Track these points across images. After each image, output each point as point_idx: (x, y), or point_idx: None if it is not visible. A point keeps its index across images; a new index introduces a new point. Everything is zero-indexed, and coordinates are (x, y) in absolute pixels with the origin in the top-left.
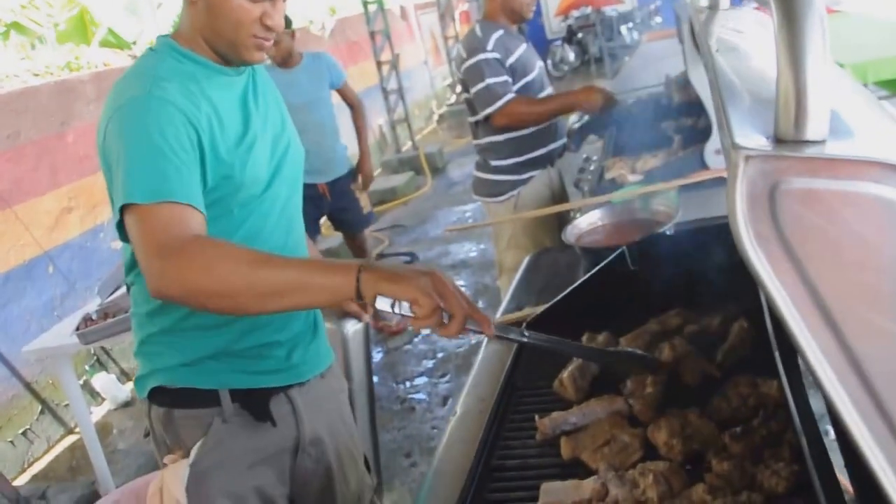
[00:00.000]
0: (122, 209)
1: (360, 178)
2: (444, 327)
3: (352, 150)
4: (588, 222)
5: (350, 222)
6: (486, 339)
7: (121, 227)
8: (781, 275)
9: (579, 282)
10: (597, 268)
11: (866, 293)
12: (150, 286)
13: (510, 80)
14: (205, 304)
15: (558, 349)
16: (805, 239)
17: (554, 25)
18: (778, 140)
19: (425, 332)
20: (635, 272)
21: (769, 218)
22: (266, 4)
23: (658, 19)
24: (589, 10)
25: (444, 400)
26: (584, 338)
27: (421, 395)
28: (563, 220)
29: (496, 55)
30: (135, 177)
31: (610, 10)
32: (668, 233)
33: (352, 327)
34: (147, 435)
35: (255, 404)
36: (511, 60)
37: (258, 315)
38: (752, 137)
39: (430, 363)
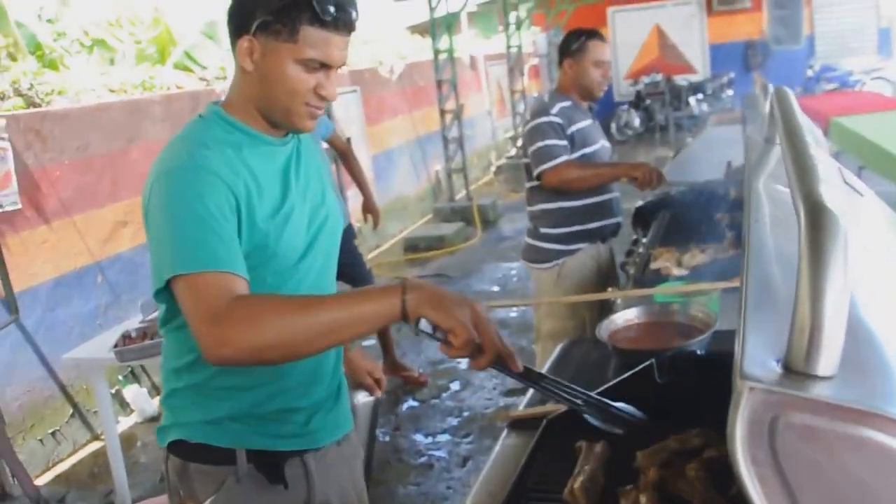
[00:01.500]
0: (171, 279)
1: (369, 218)
2: (475, 359)
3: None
4: (624, 319)
5: (353, 277)
6: (504, 432)
7: (158, 293)
8: (772, 500)
9: (604, 387)
10: (622, 377)
11: None
12: (206, 354)
13: (568, 145)
14: (263, 358)
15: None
16: (800, 472)
17: (622, 88)
18: (787, 368)
19: (455, 388)
20: (662, 385)
21: (767, 445)
22: (320, 75)
23: (730, 92)
24: (660, 77)
25: (464, 461)
26: (583, 447)
27: (441, 453)
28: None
29: (558, 120)
30: (181, 248)
31: (681, 80)
32: (699, 351)
33: (362, 399)
34: (162, 480)
35: (270, 466)
36: (572, 129)
37: (315, 355)
38: (761, 361)
39: (454, 421)
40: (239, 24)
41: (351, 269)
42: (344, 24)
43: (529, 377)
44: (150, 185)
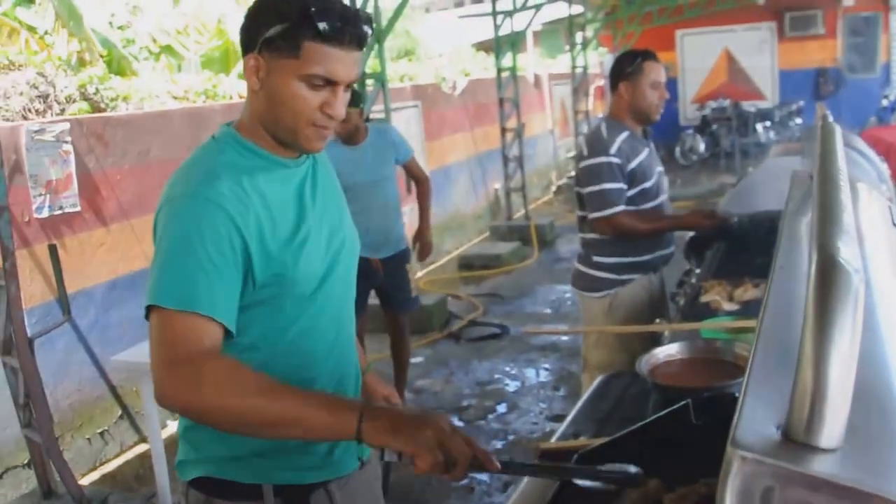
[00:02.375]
0: (148, 308)
1: (417, 247)
2: (450, 473)
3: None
4: (665, 354)
5: (397, 301)
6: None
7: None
8: None
9: (638, 425)
10: (657, 415)
11: None
12: (154, 393)
13: (625, 187)
14: (200, 419)
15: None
16: None
17: (688, 113)
18: (786, 437)
19: (501, 410)
20: (696, 426)
21: None
22: (326, 93)
23: (798, 121)
24: (727, 102)
25: (505, 486)
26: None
27: (483, 476)
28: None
29: (617, 160)
30: (165, 280)
31: (748, 106)
32: (737, 393)
33: None
34: None
35: (297, 500)
36: (632, 166)
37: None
38: (759, 427)
39: (499, 444)
40: (246, 42)
41: (392, 290)
42: (350, 39)
43: (511, 469)
44: (157, 210)
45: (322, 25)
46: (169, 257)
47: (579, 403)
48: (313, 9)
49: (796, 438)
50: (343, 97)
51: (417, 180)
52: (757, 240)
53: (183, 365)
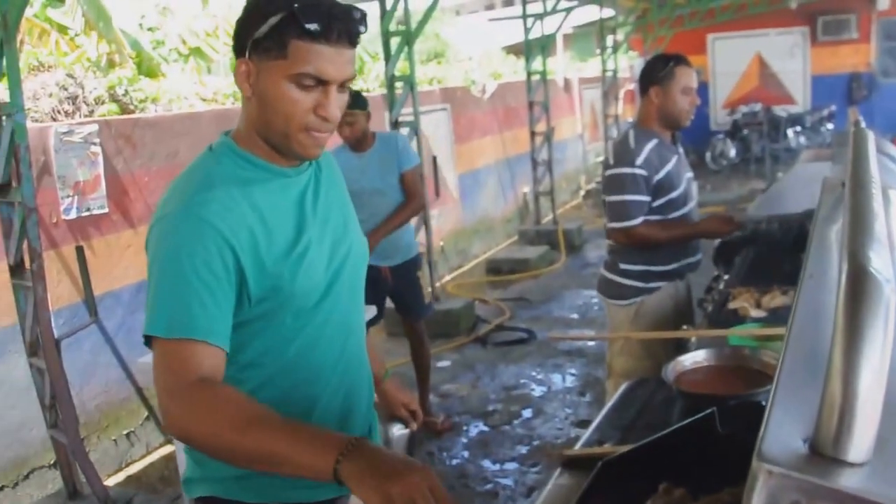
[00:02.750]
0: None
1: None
2: None
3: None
4: (692, 361)
5: (409, 308)
6: (557, 469)
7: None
8: None
9: (664, 433)
10: (682, 423)
11: None
12: (161, 421)
13: (649, 200)
14: (200, 450)
15: None
16: None
17: (719, 117)
18: (813, 450)
19: (526, 415)
20: (722, 435)
21: None
22: (318, 94)
23: (829, 126)
24: (758, 107)
25: (530, 491)
26: (661, 488)
27: (507, 481)
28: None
29: (643, 172)
30: (159, 307)
31: (780, 110)
32: (764, 402)
33: (397, 431)
34: None
35: None
36: (659, 177)
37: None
38: (785, 440)
39: (524, 449)
40: (236, 47)
41: (404, 298)
42: (338, 35)
43: None
44: (150, 228)
45: (308, 24)
46: (161, 284)
47: (604, 410)
48: (297, 6)
49: (824, 452)
50: (336, 98)
51: (409, 194)
52: (785, 245)
53: (181, 395)
